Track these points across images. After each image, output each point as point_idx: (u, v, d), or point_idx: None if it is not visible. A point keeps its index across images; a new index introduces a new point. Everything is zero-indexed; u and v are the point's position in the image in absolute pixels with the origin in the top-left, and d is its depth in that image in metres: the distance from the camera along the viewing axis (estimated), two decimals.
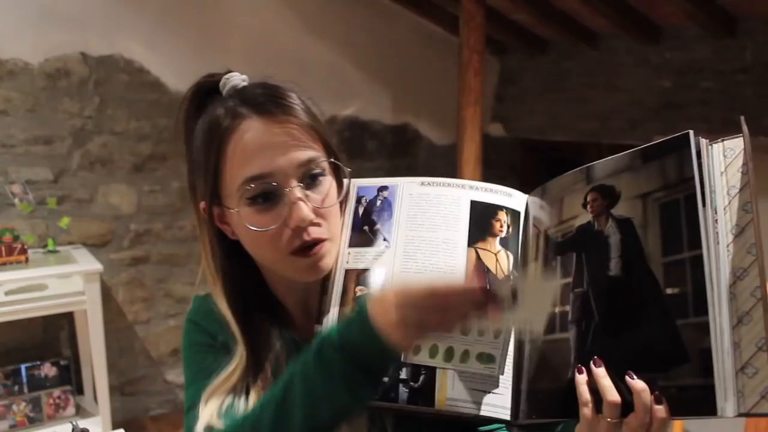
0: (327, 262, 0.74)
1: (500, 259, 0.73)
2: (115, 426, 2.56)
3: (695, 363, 0.55)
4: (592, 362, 0.61)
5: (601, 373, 0.60)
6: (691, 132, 0.61)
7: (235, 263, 0.78)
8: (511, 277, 0.72)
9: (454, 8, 3.05)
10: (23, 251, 2.33)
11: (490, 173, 3.46)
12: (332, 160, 0.75)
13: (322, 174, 0.73)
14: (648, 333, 0.59)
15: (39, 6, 2.51)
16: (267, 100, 0.72)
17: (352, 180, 0.80)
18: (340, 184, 0.77)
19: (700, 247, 0.57)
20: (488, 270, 0.72)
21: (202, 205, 0.76)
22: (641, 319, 0.60)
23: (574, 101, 3.33)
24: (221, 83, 0.76)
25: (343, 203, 0.78)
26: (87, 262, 2.40)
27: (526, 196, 0.77)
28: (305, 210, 0.70)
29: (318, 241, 0.72)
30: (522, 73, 3.65)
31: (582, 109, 3.28)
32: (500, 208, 0.75)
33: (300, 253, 0.72)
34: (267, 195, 0.71)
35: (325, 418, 0.63)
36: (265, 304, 0.80)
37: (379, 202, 0.78)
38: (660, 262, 0.60)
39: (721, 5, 2.45)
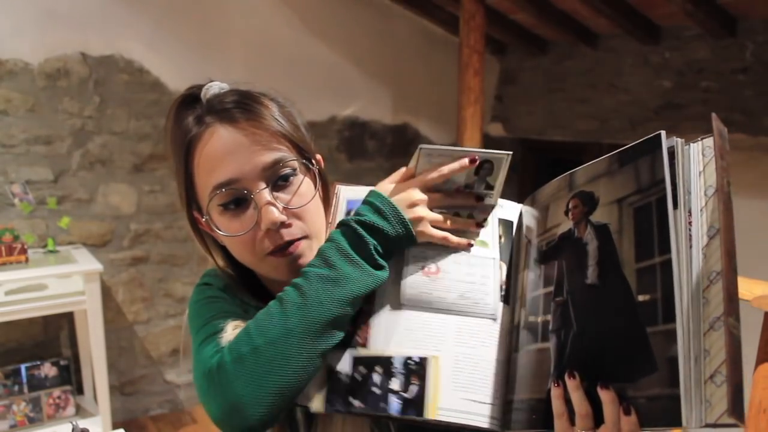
0: (307, 260, 0.73)
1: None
2: (115, 426, 2.57)
3: (663, 372, 0.53)
4: (566, 374, 0.61)
5: (573, 385, 0.59)
6: (663, 132, 0.60)
7: (230, 264, 0.79)
8: (502, 286, 0.72)
9: (454, 8, 3.05)
10: (23, 251, 2.33)
11: None
12: (303, 160, 0.75)
13: (292, 174, 0.74)
14: (620, 342, 0.58)
15: (39, 6, 2.51)
16: (233, 107, 0.73)
17: (341, 189, 0.80)
18: (324, 183, 0.78)
19: (669, 251, 0.55)
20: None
21: (187, 213, 0.78)
22: (615, 327, 0.59)
23: (574, 101, 3.33)
24: (202, 93, 0.77)
25: (325, 203, 0.79)
26: (87, 262, 2.40)
27: (520, 205, 0.77)
28: (275, 213, 0.70)
29: (292, 241, 0.72)
30: (522, 73, 3.65)
31: (582, 109, 3.28)
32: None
33: (277, 253, 0.72)
34: (236, 200, 0.72)
35: (359, 290, 0.67)
36: (262, 302, 0.81)
37: None
38: (633, 268, 0.58)
39: (721, 5, 2.45)
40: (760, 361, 1.54)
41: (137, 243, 2.83)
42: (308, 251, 0.74)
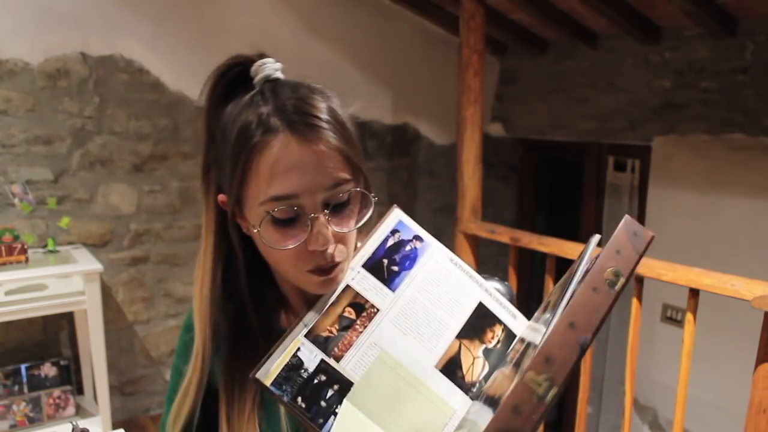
0: (339, 279, 0.75)
1: (476, 365, 0.74)
2: (115, 426, 2.57)
3: None
4: None
5: None
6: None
7: (246, 254, 0.78)
8: (477, 386, 0.73)
9: (454, 8, 3.05)
10: (23, 251, 2.33)
11: (490, 173, 3.47)
12: (359, 189, 0.74)
13: (348, 200, 0.73)
14: None
15: (38, 6, 2.51)
16: (299, 118, 0.70)
17: (397, 210, 0.80)
18: (363, 205, 0.77)
19: None
20: (459, 367, 0.73)
21: (221, 197, 0.75)
22: None
23: (574, 101, 3.33)
24: (253, 70, 0.74)
25: (363, 229, 0.78)
26: (87, 262, 2.40)
27: (529, 322, 0.78)
28: (327, 236, 0.70)
29: (335, 264, 0.73)
30: (522, 73, 3.65)
31: (582, 109, 3.29)
32: (500, 321, 0.76)
33: (317, 272, 0.73)
34: (290, 216, 0.71)
35: None
36: (269, 292, 0.83)
37: (408, 248, 0.78)
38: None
39: (721, 5, 2.45)
40: (760, 361, 1.54)
41: (137, 243, 2.83)
42: (342, 272, 0.75)
